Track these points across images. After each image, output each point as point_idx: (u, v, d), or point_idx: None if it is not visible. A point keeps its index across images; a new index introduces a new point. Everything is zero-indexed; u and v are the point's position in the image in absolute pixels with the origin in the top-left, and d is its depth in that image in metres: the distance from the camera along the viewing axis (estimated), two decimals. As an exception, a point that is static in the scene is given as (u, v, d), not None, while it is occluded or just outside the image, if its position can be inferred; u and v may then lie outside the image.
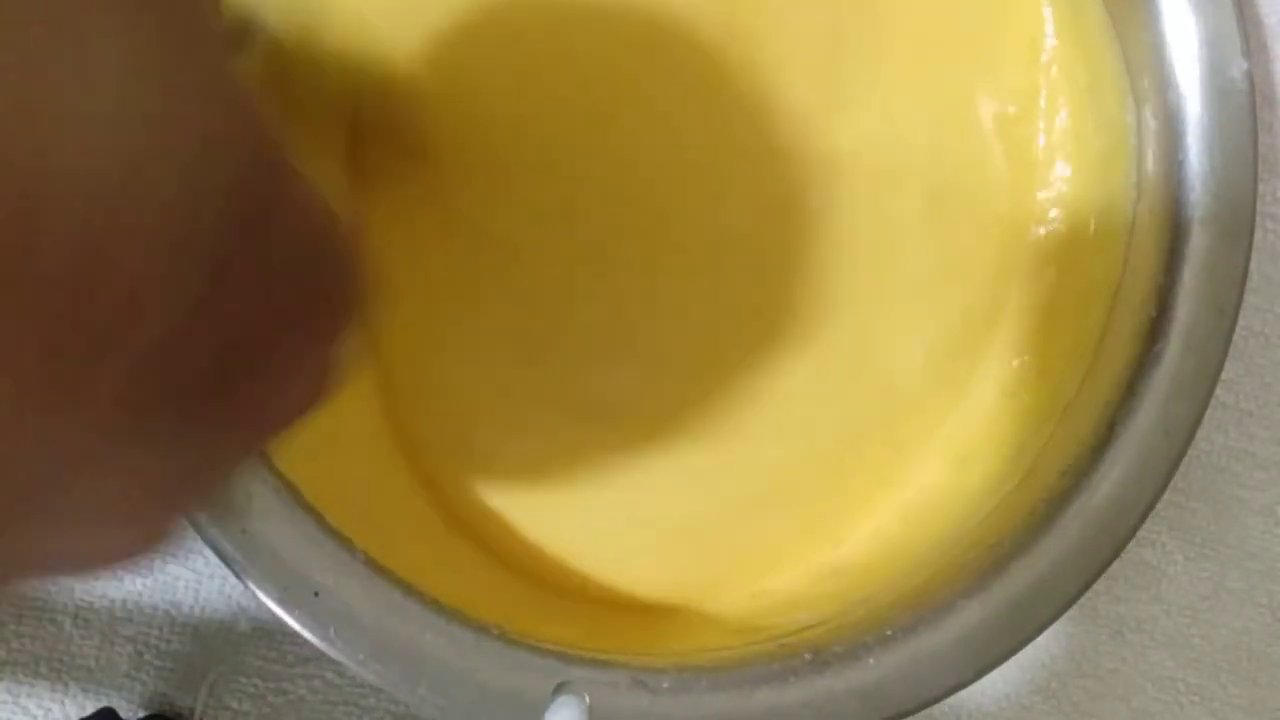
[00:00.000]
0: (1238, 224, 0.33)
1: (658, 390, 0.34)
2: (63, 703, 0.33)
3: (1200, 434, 0.32)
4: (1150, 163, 0.34)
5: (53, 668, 0.33)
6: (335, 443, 0.31)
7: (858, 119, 0.34)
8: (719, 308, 0.34)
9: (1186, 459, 0.32)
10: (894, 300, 0.34)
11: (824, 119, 0.34)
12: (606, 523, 0.33)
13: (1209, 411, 0.32)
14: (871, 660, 0.30)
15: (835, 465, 0.34)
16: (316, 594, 0.28)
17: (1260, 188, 0.33)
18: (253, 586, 0.28)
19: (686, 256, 0.34)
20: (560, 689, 0.28)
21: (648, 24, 0.33)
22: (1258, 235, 0.33)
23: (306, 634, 0.28)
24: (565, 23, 0.33)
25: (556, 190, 0.33)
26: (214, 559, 0.28)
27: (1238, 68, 0.33)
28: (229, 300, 0.16)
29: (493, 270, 0.33)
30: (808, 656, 0.30)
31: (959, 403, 0.34)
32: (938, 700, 0.30)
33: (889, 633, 0.30)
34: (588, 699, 0.28)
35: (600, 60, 0.33)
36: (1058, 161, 0.35)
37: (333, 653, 0.28)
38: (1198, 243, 0.33)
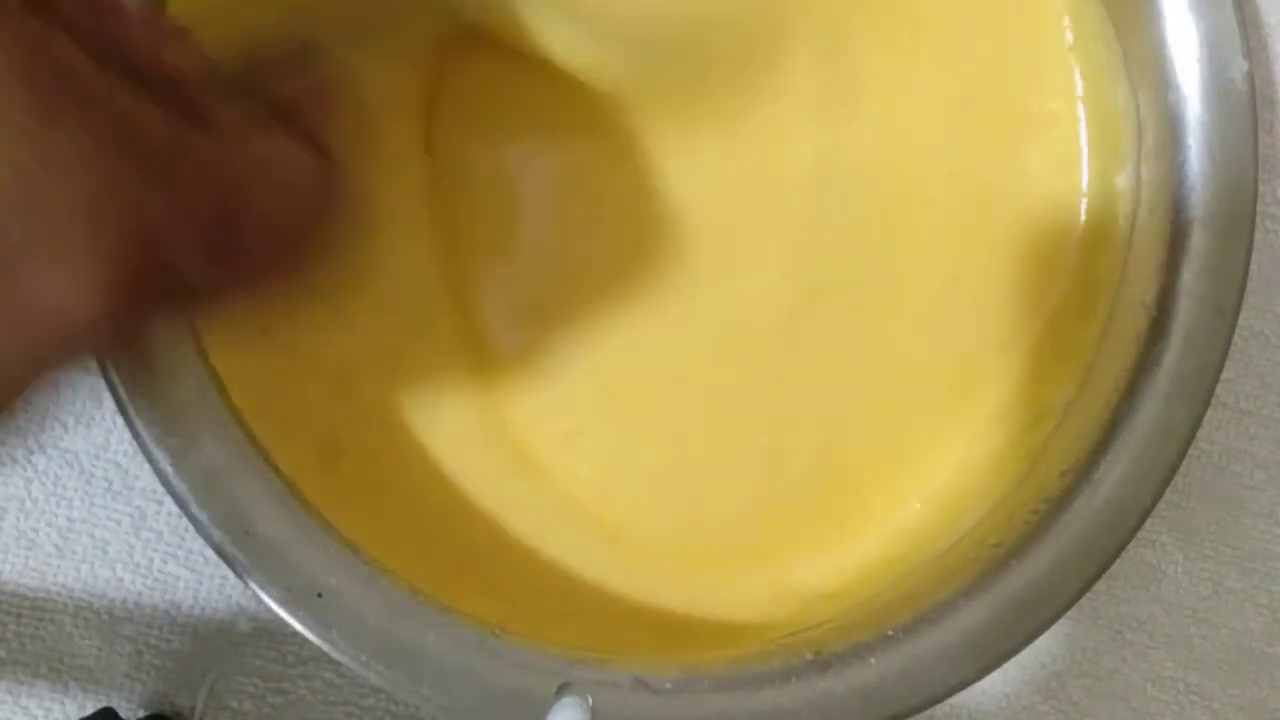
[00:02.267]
0: (1238, 224, 0.33)
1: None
2: (63, 703, 0.33)
3: (1200, 434, 0.33)
4: (1150, 163, 0.34)
5: (53, 668, 0.33)
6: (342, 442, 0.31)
7: (873, 120, 0.34)
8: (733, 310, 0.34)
9: (1186, 459, 0.32)
10: (894, 300, 0.34)
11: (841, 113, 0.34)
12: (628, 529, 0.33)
13: (1209, 411, 0.32)
14: (873, 660, 0.30)
15: (836, 467, 0.34)
16: (320, 595, 0.28)
17: (1260, 188, 0.34)
18: (256, 588, 0.28)
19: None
20: (563, 689, 0.28)
21: None
22: (1258, 235, 0.33)
23: (310, 635, 0.28)
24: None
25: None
26: (214, 559, 0.28)
27: (1238, 68, 0.33)
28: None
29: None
30: (809, 656, 0.30)
31: (959, 403, 0.34)
32: (939, 700, 0.30)
33: (890, 632, 0.30)
34: (590, 699, 0.28)
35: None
36: (1061, 161, 0.35)
37: (336, 654, 0.28)
38: (1198, 243, 0.33)
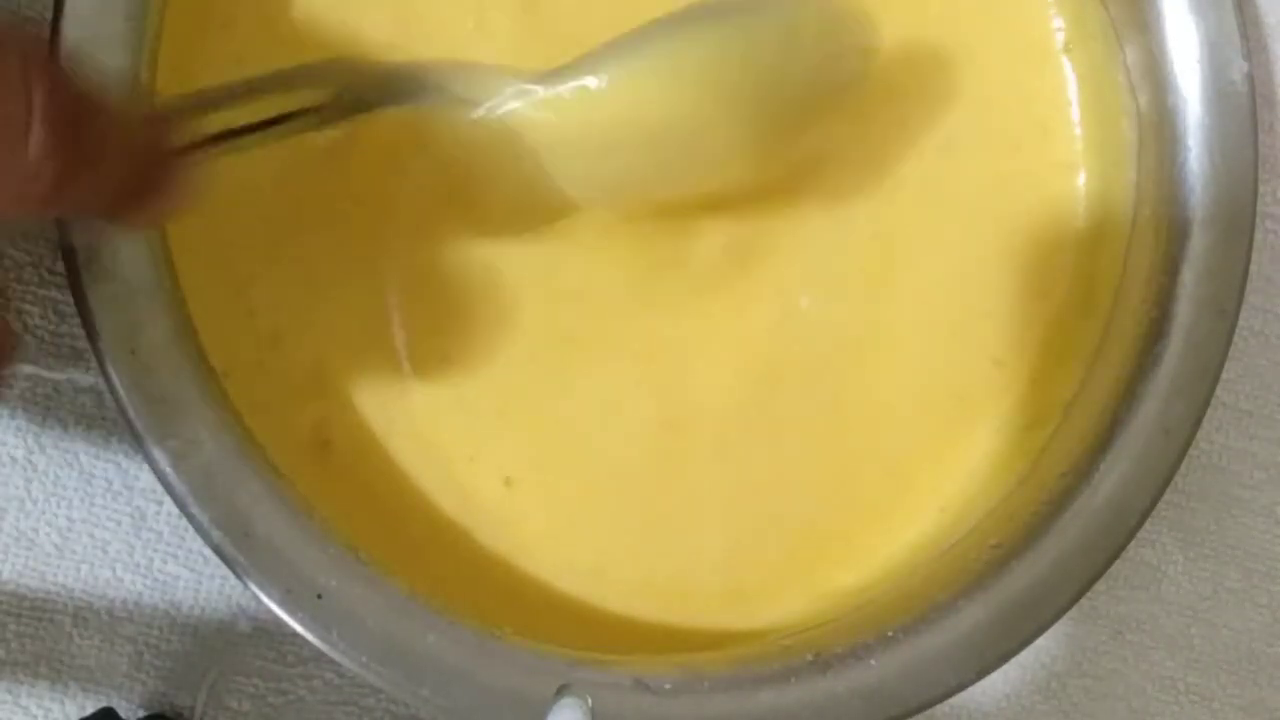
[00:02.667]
0: (1238, 224, 0.33)
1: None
2: (63, 703, 0.33)
3: (1200, 434, 0.33)
4: (1150, 163, 0.34)
5: (53, 668, 0.33)
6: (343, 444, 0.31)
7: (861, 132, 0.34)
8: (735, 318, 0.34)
9: (1186, 459, 0.32)
10: (895, 301, 0.34)
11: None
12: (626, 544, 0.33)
13: (1209, 411, 0.32)
14: (873, 660, 0.30)
15: (839, 470, 0.34)
16: (320, 596, 0.28)
17: (1260, 188, 0.34)
18: (256, 589, 0.28)
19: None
20: (562, 690, 0.28)
21: None
22: (1258, 235, 0.33)
23: (310, 636, 0.28)
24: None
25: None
26: (214, 559, 0.28)
27: (1238, 69, 0.33)
28: None
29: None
30: (809, 657, 0.30)
31: (960, 404, 0.34)
32: (939, 700, 0.30)
33: (890, 633, 0.31)
34: (590, 700, 0.28)
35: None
36: (1058, 163, 0.35)
37: (336, 655, 0.28)
38: (1198, 243, 0.33)
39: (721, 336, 0.33)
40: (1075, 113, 0.35)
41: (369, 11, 0.32)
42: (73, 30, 0.28)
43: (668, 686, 0.29)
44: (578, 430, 0.33)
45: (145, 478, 0.33)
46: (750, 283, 0.34)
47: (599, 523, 0.33)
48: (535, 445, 0.33)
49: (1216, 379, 0.33)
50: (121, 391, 0.28)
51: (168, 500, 0.32)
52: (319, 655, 0.28)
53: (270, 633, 0.34)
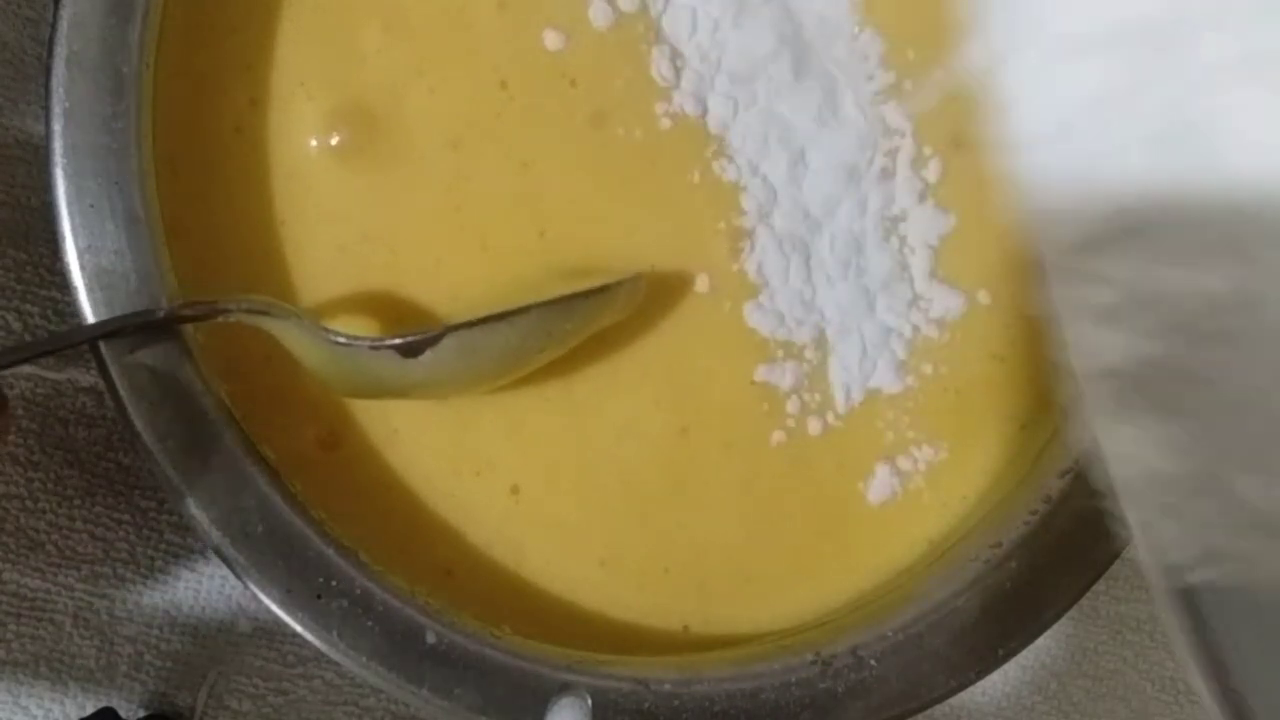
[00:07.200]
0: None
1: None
2: (63, 703, 0.33)
3: (1200, 434, 0.33)
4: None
5: (53, 668, 0.33)
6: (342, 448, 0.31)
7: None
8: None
9: (1187, 459, 0.32)
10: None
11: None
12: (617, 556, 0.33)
13: (1209, 411, 0.32)
14: (873, 661, 0.30)
15: (839, 470, 0.34)
16: (319, 596, 0.28)
17: (1261, 188, 0.33)
18: (255, 589, 0.28)
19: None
20: (563, 689, 0.28)
21: None
22: (1258, 236, 0.33)
23: (309, 636, 0.28)
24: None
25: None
26: (214, 559, 0.28)
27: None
28: None
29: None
30: (809, 657, 0.30)
31: (959, 404, 0.34)
32: (938, 700, 0.30)
33: (889, 633, 0.31)
34: (589, 700, 0.28)
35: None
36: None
37: (335, 655, 0.28)
38: (1198, 243, 0.33)
39: (741, 338, 0.33)
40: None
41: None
42: (71, 31, 0.28)
43: (668, 687, 0.29)
44: (590, 445, 0.33)
45: (146, 477, 0.33)
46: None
47: (604, 520, 0.33)
48: (545, 460, 0.33)
49: (1217, 379, 0.33)
50: (123, 393, 0.28)
51: (168, 500, 0.32)
52: (319, 655, 0.28)
53: (270, 632, 0.34)
